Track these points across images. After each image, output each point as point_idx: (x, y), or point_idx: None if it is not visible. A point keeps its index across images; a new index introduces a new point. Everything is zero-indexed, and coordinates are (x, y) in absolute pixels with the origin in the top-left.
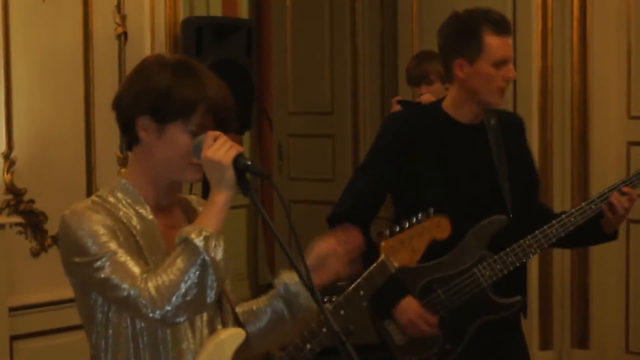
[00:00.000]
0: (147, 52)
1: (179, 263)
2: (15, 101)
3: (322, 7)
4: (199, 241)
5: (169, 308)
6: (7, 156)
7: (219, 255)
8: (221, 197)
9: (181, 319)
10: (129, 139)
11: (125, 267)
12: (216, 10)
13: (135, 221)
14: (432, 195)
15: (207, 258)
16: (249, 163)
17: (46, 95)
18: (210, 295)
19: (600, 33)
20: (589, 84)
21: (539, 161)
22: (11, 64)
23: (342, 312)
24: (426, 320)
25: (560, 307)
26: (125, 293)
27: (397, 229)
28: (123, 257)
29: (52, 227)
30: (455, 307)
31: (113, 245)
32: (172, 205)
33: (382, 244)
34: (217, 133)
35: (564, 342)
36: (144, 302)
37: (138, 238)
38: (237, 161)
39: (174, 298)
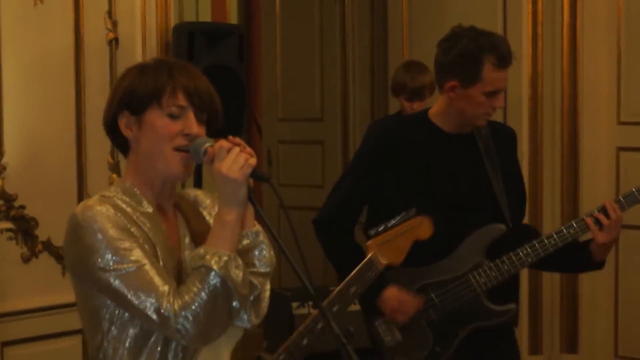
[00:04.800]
0: (139, 57)
1: (203, 290)
2: (6, 107)
3: (312, 13)
4: (219, 268)
5: (197, 332)
6: None
7: (239, 276)
8: (232, 217)
9: (211, 341)
10: (120, 145)
11: (152, 283)
12: (205, 16)
13: (142, 219)
14: (411, 203)
15: (229, 283)
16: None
17: (37, 100)
18: (236, 314)
19: (590, 39)
20: (579, 90)
21: (528, 167)
22: (2, 69)
23: (334, 308)
24: (409, 303)
25: (549, 311)
26: (152, 312)
27: (382, 228)
28: (149, 270)
29: (42, 233)
30: (448, 311)
31: (137, 254)
32: (169, 207)
33: (370, 242)
34: (228, 144)
35: (553, 346)
36: (175, 326)
37: (150, 235)
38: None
39: (201, 323)
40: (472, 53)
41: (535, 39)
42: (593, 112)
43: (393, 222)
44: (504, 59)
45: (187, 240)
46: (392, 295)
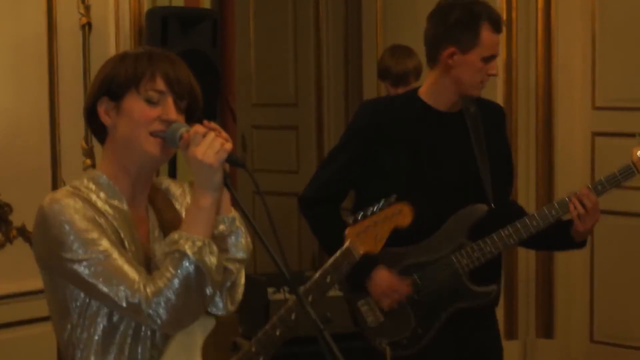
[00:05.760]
0: (112, 42)
1: (176, 275)
2: None
3: None
4: (192, 253)
5: (170, 318)
6: None
7: (214, 262)
8: (207, 201)
9: (183, 327)
10: (98, 133)
11: (122, 271)
12: (179, 1)
13: (111, 213)
14: (397, 183)
15: (203, 268)
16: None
17: (10, 86)
18: (209, 301)
19: (564, 24)
20: (553, 75)
21: None
22: None
23: (309, 298)
24: (399, 288)
25: (525, 296)
26: (124, 299)
27: (361, 216)
28: (118, 258)
29: (17, 219)
30: (430, 292)
31: (105, 244)
32: (143, 198)
33: (347, 231)
34: (204, 129)
35: (528, 331)
36: (147, 312)
37: (116, 226)
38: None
39: (174, 309)
40: (470, 18)
41: (509, 23)
42: (568, 97)
43: (372, 209)
44: (498, 22)
45: (156, 233)
46: (383, 278)
